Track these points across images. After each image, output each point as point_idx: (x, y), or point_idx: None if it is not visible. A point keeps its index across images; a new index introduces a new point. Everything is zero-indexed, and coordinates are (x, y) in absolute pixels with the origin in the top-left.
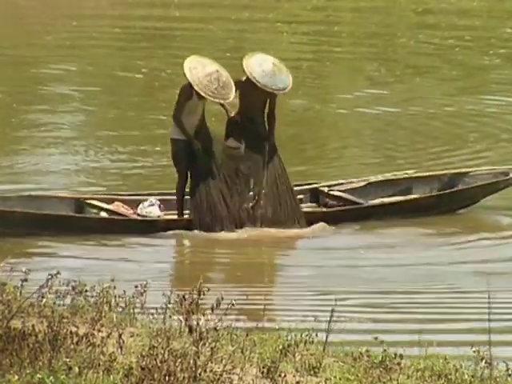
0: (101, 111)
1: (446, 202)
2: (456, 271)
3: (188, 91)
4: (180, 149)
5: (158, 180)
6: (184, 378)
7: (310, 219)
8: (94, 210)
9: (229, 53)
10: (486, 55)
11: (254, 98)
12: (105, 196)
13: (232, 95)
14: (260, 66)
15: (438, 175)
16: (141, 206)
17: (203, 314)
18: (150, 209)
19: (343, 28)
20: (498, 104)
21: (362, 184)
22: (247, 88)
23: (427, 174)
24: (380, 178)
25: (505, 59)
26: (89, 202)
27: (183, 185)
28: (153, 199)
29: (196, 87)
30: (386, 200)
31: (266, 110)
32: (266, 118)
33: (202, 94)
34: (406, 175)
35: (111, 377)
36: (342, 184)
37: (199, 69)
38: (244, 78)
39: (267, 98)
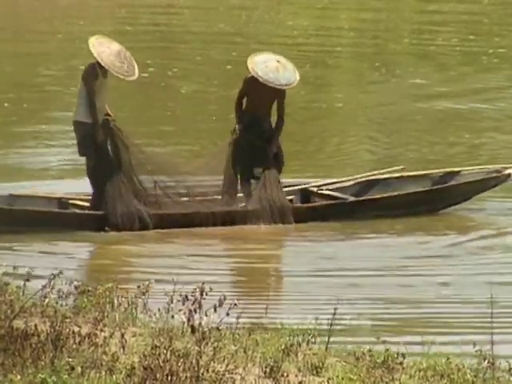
0: None
1: (434, 199)
2: (457, 271)
3: (94, 71)
4: (88, 133)
5: None
6: (186, 377)
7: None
8: (78, 211)
9: (235, 52)
10: None
11: (261, 96)
12: (89, 196)
13: (137, 70)
14: (264, 62)
15: (429, 174)
16: None
17: (206, 314)
18: None
19: (349, 24)
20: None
21: (352, 183)
22: (253, 86)
23: (419, 172)
24: (371, 176)
25: None
26: (73, 202)
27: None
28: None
29: (113, 71)
30: (371, 196)
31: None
32: (273, 118)
33: (121, 76)
34: (398, 174)
35: (114, 377)
36: (331, 183)
37: (107, 51)
38: (250, 75)
39: (274, 98)
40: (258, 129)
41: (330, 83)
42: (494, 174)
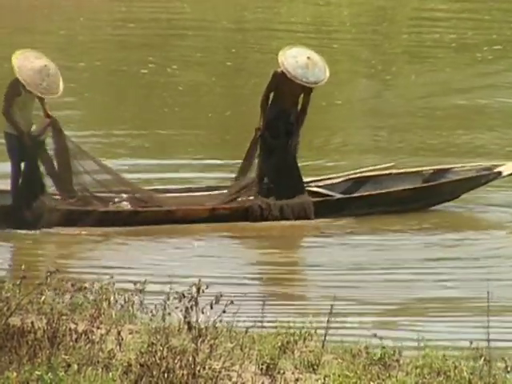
0: (105, 105)
1: (423, 196)
2: (453, 268)
3: (16, 87)
4: (13, 145)
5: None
6: (183, 374)
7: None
8: None
9: (234, 48)
10: None
11: (289, 90)
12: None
13: (61, 87)
14: (294, 57)
15: (420, 171)
16: (111, 203)
17: (202, 311)
18: (122, 205)
19: (350, 20)
20: None
21: (341, 180)
22: (283, 80)
23: (409, 170)
24: (361, 173)
25: None
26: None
27: (14, 178)
28: (124, 195)
29: (28, 87)
30: (360, 193)
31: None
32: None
33: (35, 92)
34: (388, 171)
35: (110, 374)
36: (320, 180)
37: (28, 66)
38: (279, 70)
39: (301, 92)
40: (285, 120)
41: (330, 80)
42: (484, 172)
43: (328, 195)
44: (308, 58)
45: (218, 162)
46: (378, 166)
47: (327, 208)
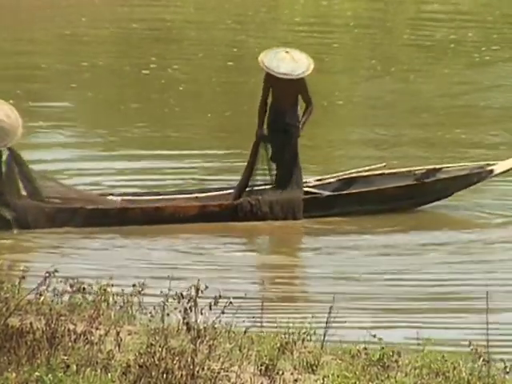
0: (106, 105)
1: (414, 194)
2: (452, 266)
3: None
4: None
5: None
6: (182, 375)
7: None
8: None
9: (236, 48)
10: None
11: (282, 90)
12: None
13: (9, 143)
14: (274, 57)
15: (411, 171)
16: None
17: (201, 312)
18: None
19: (354, 20)
20: None
21: (333, 180)
22: (272, 81)
23: (401, 169)
24: (353, 174)
25: None
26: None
27: None
28: (113, 198)
29: None
30: (348, 190)
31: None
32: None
33: None
34: (379, 171)
35: (109, 374)
36: (311, 181)
37: None
38: (266, 72)
39: (296, 90)
40: (281, 122)
41: (331, 80)
42: (477, 170)
43: (316, 193)
44: (286, 52)
45: (219, 162)
46: (370, 167)
47: (317, 205)
